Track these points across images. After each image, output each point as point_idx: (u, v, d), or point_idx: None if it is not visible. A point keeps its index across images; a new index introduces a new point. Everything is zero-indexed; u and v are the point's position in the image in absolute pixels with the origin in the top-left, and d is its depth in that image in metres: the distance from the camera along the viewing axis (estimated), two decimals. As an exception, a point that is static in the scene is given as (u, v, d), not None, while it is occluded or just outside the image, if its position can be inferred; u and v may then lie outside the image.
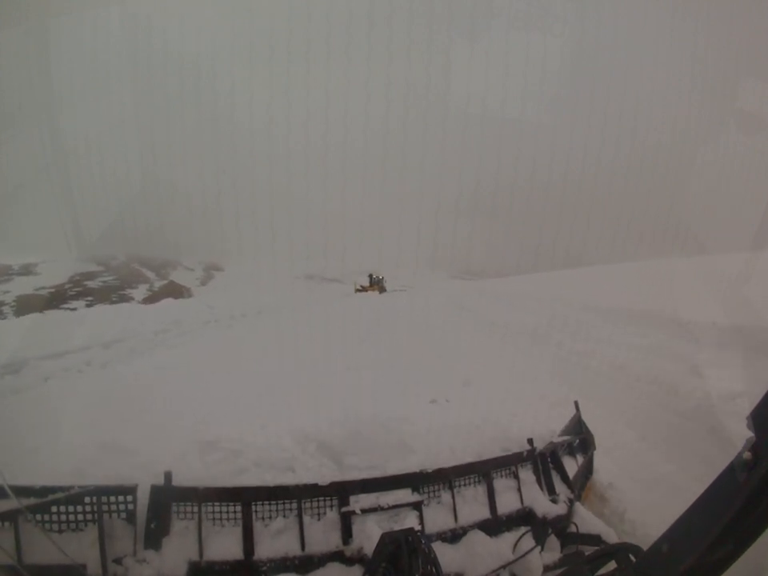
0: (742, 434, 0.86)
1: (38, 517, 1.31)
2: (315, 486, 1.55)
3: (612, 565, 1.21)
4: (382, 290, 23.90)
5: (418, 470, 1.66)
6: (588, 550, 1.61)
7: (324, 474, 1.75)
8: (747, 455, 0.84)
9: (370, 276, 24.40)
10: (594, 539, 1.69)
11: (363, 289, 23.08)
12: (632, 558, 1.16)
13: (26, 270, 19.22)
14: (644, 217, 7.70)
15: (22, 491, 1.30)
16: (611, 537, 1.69)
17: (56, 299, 15.93)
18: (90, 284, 19.86)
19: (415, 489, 1.64)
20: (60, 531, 1.34)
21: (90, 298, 16.70)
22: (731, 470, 0.88)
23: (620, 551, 1.21)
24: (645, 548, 1.11)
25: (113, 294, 18.77)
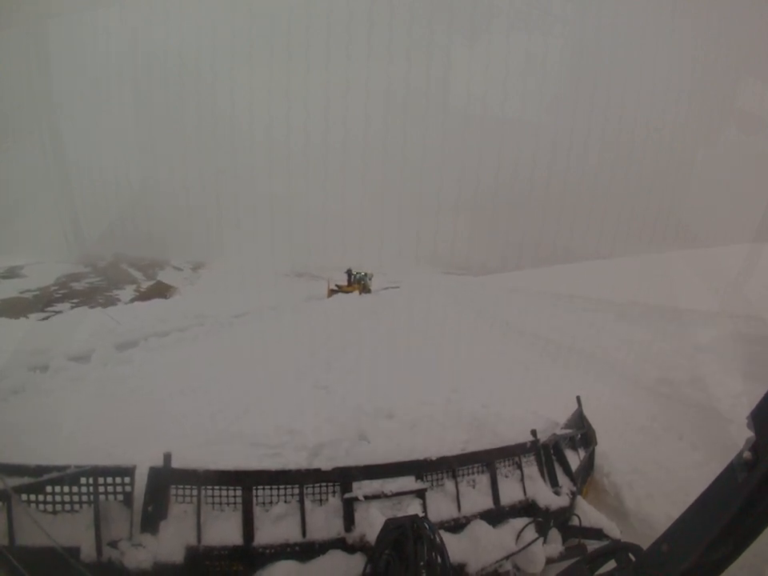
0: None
1: (32, 497, 1.27)
2: (318, 470, 1.53)
3: (612, 564, 1.20)
4: (365, 289, 19.31)
5: (422, 458, 1.64)
6: (590, 544, 1.61)
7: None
8: (747, 455, 0.84)
9: (349, 272, 19.68)
10: (596, 533, 1.68)
11: (339, 289, 18.42)
12: (632, 557, 1.16)
13: (12, 273, 19.01)
14: (643, 215, 7.71)
15: (15, 470, 1.26)
16: (613, 531, 1.68)
17: (41, 302, 15.78)
18: (77, 286, 19.61)
19: (419, 476, 1.62)
20: (54, 512, 1.30)
21: (75, 300, 16.58)
22: (731, 469, 0.88)
23: (620, 551, 1.20)
24: (645, 547, 1.10)
25: (99, 295, 18.59)
